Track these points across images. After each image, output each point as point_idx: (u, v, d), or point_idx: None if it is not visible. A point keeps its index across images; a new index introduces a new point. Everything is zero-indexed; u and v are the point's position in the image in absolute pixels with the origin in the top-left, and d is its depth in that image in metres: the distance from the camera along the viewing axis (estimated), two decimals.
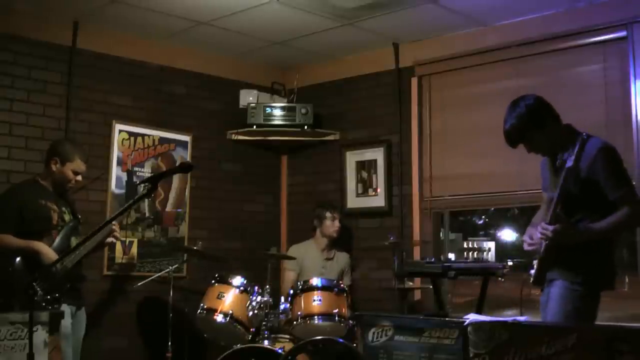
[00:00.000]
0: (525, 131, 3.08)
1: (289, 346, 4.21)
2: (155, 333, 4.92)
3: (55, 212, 4.00)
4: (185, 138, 5.58)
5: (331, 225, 5.24)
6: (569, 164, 2.93)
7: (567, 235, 2.96)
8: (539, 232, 3.00)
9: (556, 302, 3.02)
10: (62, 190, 4.09)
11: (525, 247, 3.15)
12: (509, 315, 3.16)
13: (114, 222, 4.07)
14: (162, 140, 5.45)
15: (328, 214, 5.24)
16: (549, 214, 2.99)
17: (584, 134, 3.00)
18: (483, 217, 6.62)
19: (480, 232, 6.63)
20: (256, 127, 5.70)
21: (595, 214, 3.00)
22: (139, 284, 4.83)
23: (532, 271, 3.07)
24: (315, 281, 4.45)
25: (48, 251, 3.83)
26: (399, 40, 5.43)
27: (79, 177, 4.09)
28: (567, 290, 3.00)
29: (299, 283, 4.53)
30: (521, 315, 3.09)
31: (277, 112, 5.69)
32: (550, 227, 2.94)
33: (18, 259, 3.79)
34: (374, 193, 5.58)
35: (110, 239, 4.15)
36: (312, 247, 5.32)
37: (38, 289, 3.68)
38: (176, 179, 5.48)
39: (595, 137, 3.05)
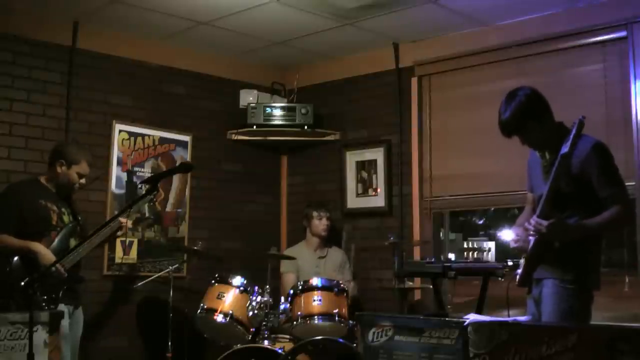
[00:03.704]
0: (524, 121, 3.03)
1: (289, 346, 4.21)
2: (155, 333, 4.92)
3: (54, 213, 4.00)
4: (185, 138, 5.58)
5: (319, 224, 5.26)
6: (564, 150, 2.87)
7: (561, 230, 2.91)
8: (531, 225, 2.92)
9: (550, 302, 2.99)
10: (66, 193, 4.09)
11: (512, 244, 3.11)
12: (508, 316, 3.15)
13: (121, 218, 4.08)
14: (162, 140, 5.45)
15: (314, 213, 5.27)
16: (539, 208, 2.94)
17: (581, 116, 2.93)
18: (483, 217, 6.61)
19: (480, 232, 6.63)
20: (256, 127, 5.70)
21: (583, 212, 2.97)
22: (139, 284, 4.83)
23: (518, 271, 3.02)
24: (315, 281, 4.45)
25: (46, 252, 3.82)
26: (399, 40, 5.43)
27: (83, 180, 4.09)
28: (559, 289, 2.97)
29: (299, 283, 4.53)
30: (508, 316, 3.08)
31: (277, 112, 5.69)
32: (545, 222, 2.89)
33: (16, 258, 3.79)
34: (374, 193, 5.58)
35: (120, 233, 4.15)
36: (304, 248, 5.33)
37: (36, 289, 3.68)
38: (176, 179, 5.48)
39: (587, 135, 3.01)
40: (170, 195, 5.46)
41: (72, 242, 4.00)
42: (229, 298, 4.42)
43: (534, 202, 3.20)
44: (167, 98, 5.53)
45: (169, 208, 5.43)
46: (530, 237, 2.97)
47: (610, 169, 3.01)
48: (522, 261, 3.02)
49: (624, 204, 2.98)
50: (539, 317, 3.06)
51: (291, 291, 4.46)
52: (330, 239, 5.43)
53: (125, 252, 5.15)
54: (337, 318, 4.32)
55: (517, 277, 3.02)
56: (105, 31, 5.14)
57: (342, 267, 5.32)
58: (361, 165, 5.69)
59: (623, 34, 4.40)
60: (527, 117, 3.04)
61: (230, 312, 4.36)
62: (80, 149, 4.15)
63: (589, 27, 4.54)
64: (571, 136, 2.88)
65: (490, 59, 5.02)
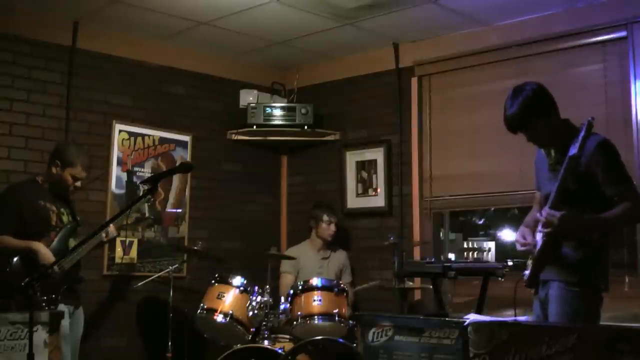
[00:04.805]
0: (530, 116, 2.99)
1: (289, 346, 4.21)
2: (155, 333, 4.92)
3: (54, 213, 4.00)
4: (185, 138, 5.58)
5: (327, 228, 5.24)
6: (573, 151, 2.84)
7: (572, 222, 2.87)
8: (542, 216, 2.89)
9: (556, 304, 2.97)
10: (59, 193, 4.07)
11: (518, 247, 3.08)
12: (509, 316, 3.15)
13: (110, 228, 4.08)
14: (162, 140, 5.45)
15: (325, 217, 5.24)
16: (548, 204, 2.91)
17: (590, 117, 2.91)
18: (483, 217, 6.61)
19: (480, 232, 6.63)
20: (256, 127, 5.70)
21: (590, 210, 2.93)
22: (139, 284, 4.83)
23: (526, 272, 2.99)
24: (315, 281, 4.45)
25: (46, 251, 3.82)
26: (399, 40, 5.43)
27: (78, 184, 4.08)
28: (565, 291, 2.95)
29: (299, 283, 4.53)
30: (515, 316, 3.08)
31: (277, 112, 5.69)
32: (557, 213, 2.84)
33: (16, 258, 3.79)
34: (374, 193, 5.58)
35: (106, 238, 4.13)
36: (308, 248, 5.33)
37: (36, 289, 3.67)
38: (176, 179, 5.48)
39: (594, 133, 2.98)
40: (170, 195, 5.45)
41: (72, 243, 4.01)
42: (229, 298, 4.42)
43: (542, 200, 3.18)
44: (167, 98, 5.53)
45: (169, 208, 5.43)
46: (538, 238, 2.96)
47: (615, 165, 2.97)
48: (529, 262, 3.00)
49: (633, 200, 2.92)
50: (544, 318, 3.04)
51: (291, 291, 4.46)
52: (334, 241, 5.42)
53: (125, 252, 5.15)
54: (337, 318, 4.32)
55: (525, 277, 3.01)
56: (106, 31, 5.14)
57: (343, 270, 5.33)
58: (361, 165, 5.68)
59: (623, 34, 4.40)
60: (533, 113, 3.00)
61: (230, 312, 4.36)
62: (79, 152, 4.12)
63: (589, 27, 4.54)
64: (580, 137, 2.85)
65: (490, 59, 5.02)
